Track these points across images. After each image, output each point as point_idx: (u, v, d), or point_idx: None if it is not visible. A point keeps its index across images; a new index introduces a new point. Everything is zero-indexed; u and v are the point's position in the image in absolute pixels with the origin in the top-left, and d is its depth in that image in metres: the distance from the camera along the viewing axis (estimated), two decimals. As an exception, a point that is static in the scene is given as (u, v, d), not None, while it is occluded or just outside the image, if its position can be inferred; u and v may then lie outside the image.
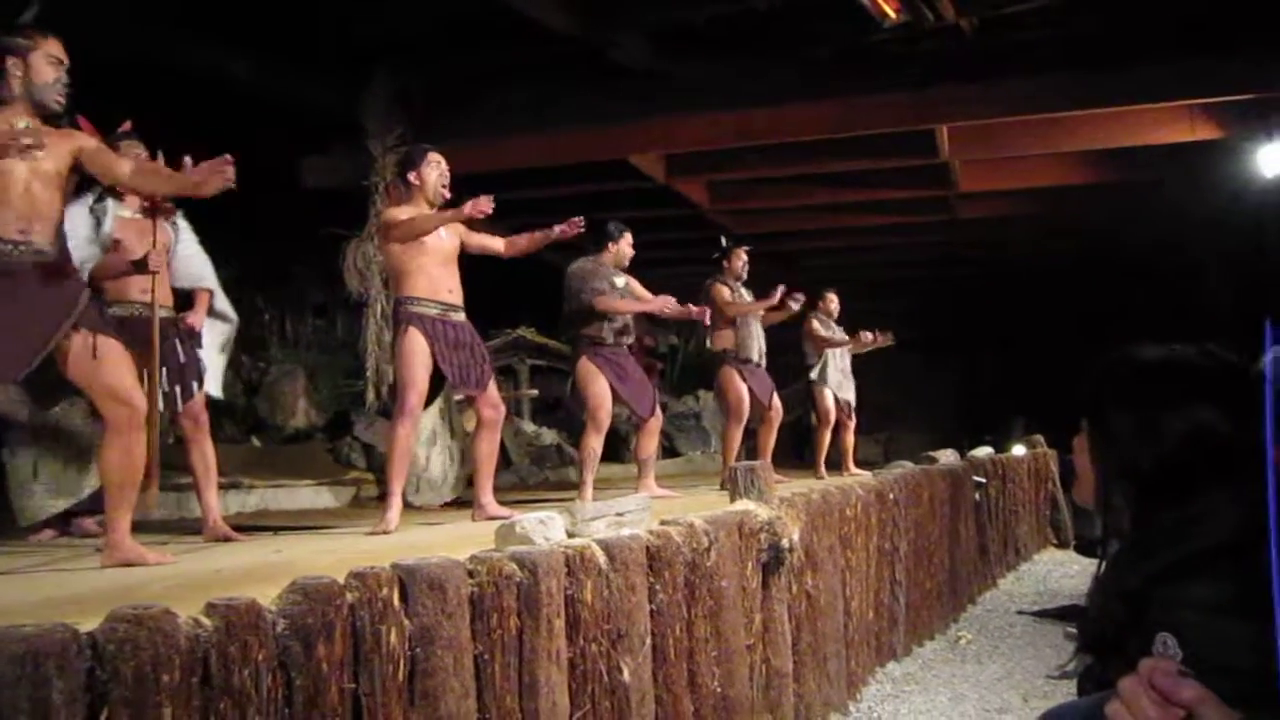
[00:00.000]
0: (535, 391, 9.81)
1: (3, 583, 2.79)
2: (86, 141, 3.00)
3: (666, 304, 5.34)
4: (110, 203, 3.91)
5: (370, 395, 7.68)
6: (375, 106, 8.07)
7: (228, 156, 2.84)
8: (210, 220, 4.34)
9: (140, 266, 3.76)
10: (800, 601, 3.82)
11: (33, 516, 4.12)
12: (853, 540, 4.52)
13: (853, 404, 7.26)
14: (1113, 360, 1.48)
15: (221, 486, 5.63)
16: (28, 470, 4.14)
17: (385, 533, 3.78)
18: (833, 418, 6.99)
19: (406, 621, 1.99)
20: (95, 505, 4.40)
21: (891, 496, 5.17)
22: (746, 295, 6.32)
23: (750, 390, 6.09)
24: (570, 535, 2.67)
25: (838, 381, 7.08)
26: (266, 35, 7.23)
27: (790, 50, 7.22)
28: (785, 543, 3.42)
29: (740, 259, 6.32)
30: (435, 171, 4.20)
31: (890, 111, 7.50)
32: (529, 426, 9.06)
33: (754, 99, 7.59)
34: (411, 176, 4.22)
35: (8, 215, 2.74)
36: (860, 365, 7.48)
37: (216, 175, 2.82)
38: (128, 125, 4.04)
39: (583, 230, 4.63)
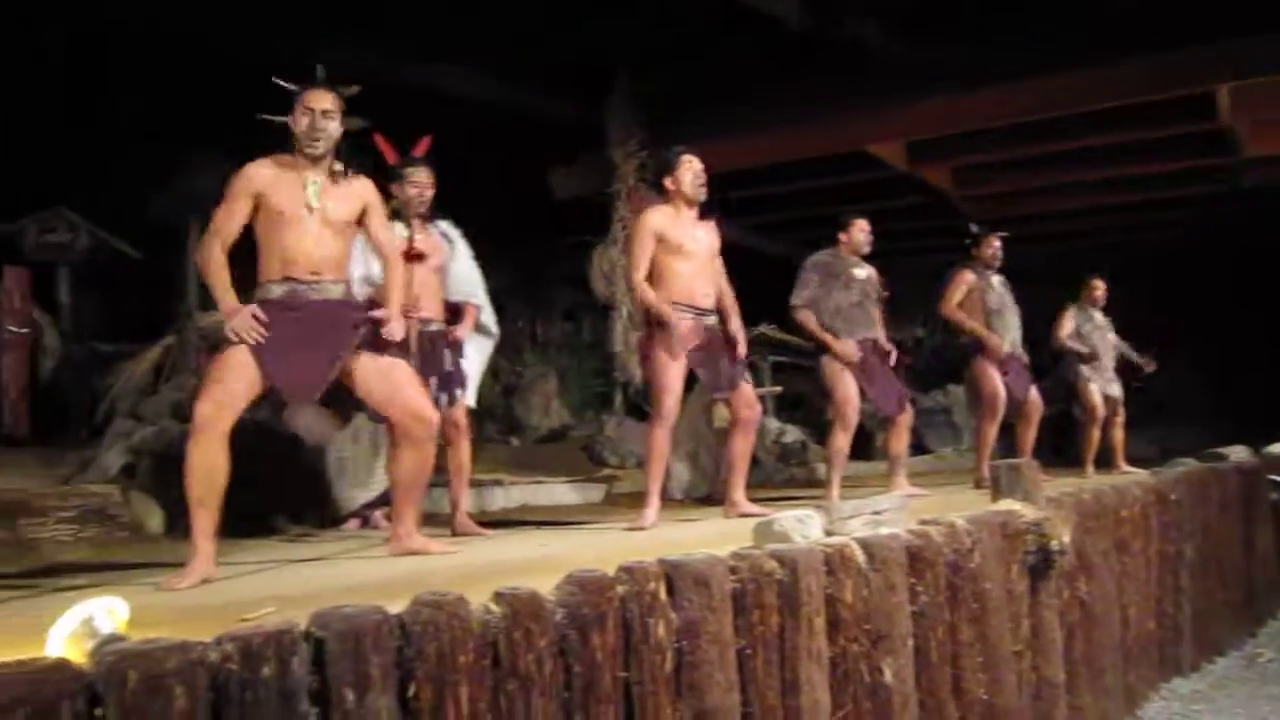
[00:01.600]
0: (779, 389, 9.78)
1: (316, 568, 3.14)
2: (373, 198, 3.29)
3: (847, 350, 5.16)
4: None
5: (618, 396, 7.95)
6: (615, 115, 8.35)
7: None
8: (470, 231, 4.63)
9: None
10: (1073, 608, 3.59)
11: (343, 509, 4.61)
12: (1130, 544, 4.20)
13: (1120, 398, 6.72)
14: None
15: (485, 484, 6.06)
16: (338, 468, 4.65)
17: (642, 529, 3.91)
18: (1100, 413, 6.51)
19: (673, 615, 2.06)
20: (385, 500, 4.87)
21: (1174, 497, 4.75)
22: (996, 283, 6.00)
23: (1005, 383, 5.78)
24: (828, 533, 2.65)
25: (1103, 375, 6.59)
26: (511, 58, 7.67)
27: (1049, 17, 6.77)
28: (1054, 545, 3.22)
29: (991, 246, 6.00)
30: (690, 173, 4.25)
31: (1164, 73, 6.84)
32: (773, 424, 9.05)
33: (1000, 75, 7.19)
34: (667, 181, 4.28)
35: (301, 260, 3.07)
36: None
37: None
38: (425, 144, 4.35)
39: None
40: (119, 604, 1.50)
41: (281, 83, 3.13)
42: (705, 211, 4.36)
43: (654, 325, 4.15)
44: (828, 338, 5.15)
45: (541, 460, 6.95)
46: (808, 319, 5.19)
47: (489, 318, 4.56)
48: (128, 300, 9.55)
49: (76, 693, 1.28)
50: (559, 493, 6.27)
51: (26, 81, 7.55)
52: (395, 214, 4.09)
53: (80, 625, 1.44)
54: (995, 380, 5.77)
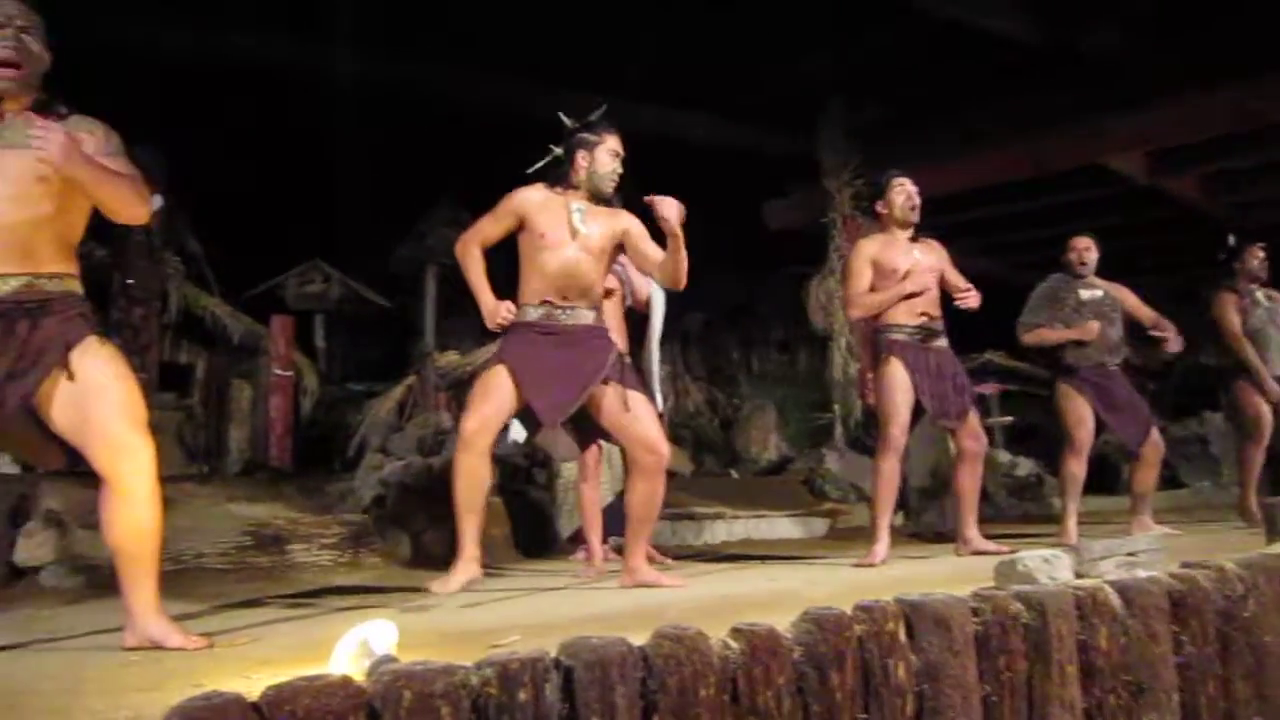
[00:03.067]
0: (1009, 419, 9.30)
1: (553, 598, 3.26)
2: (633, 224, 3.41)
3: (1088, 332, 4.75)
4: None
5: (838, 428, 7.81)
6: (829, 144, 8.28)
7: None
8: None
9: None
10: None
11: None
12: None
13: None
14: None
15: (706, 517, 6.10)
16: (564, 495, 4.84)
17: (872, 565, 3.81)
18: None
19: (913, 657, 1.99)
20: (613, 528, 5.00)
21: None
22: (1262, 298, 5.44)
23: (1274, 407, 5.23)
24: (1078, 575, 2.48)
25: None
26: (723, 95, 7.78)
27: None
28: (1347, 593, 2.87)
29: (1256, 257, 5.45)
30: (901, 195, 4.18)
31: None
32: (1003, 456, 8.60)
33: (1251, 72, 6.57)
34: (879, 205, 4.25)
35: (555, 287, 3.24)
36: None
37: None
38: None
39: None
40: (390, 627, 1.62)
41: (567, 119, 3.35)
42: (920, 232, 4.25)
43: (884, 350, 4.07)
44: (1062, 332, 4.83)
45: (762, 493, 6.92)
46: (1038, 336, 4.90)
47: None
48: (374, 343, 10.39)
49: (358, 708, 1.39)
50: (781, 527, 6.21)
51: (283, 147, 8.39)
52: None
53: (358, 646, 1.57)
54: (1259, 403, 5.23)
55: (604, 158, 3.32)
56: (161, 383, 7.46)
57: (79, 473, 3.98)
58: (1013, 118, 7.40)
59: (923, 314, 4.10)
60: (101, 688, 1.78)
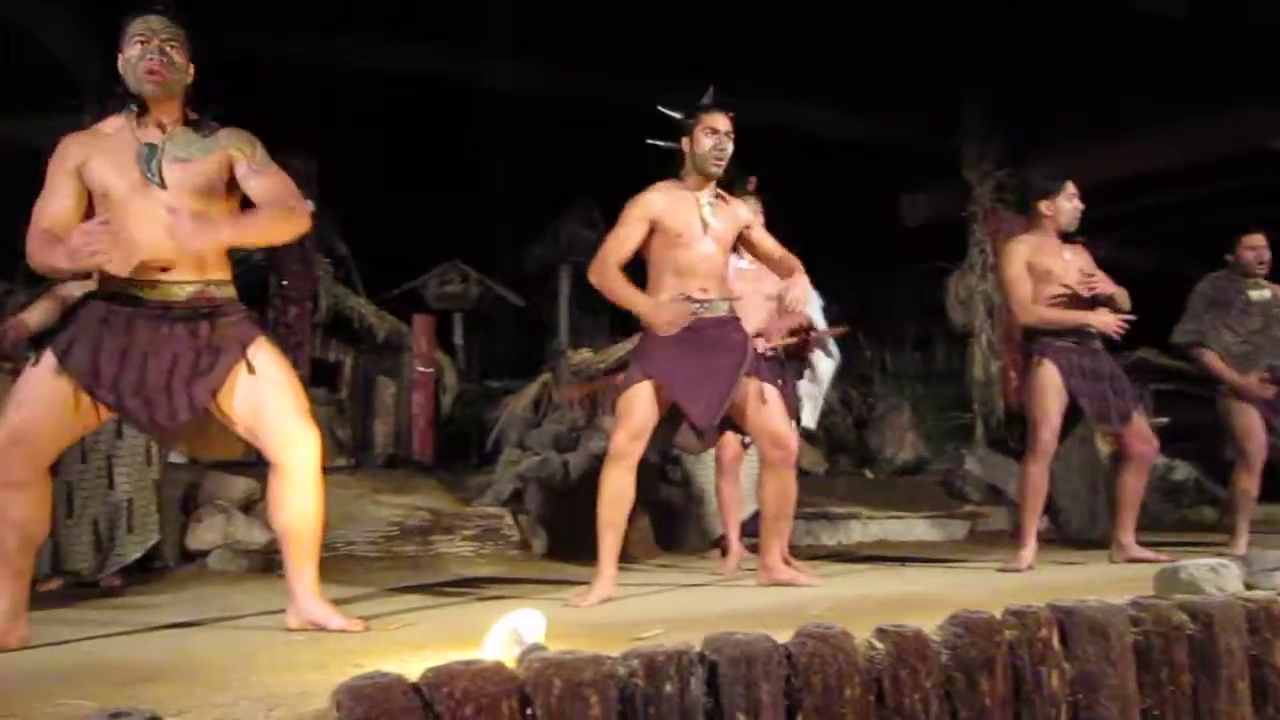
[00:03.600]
0: (1165, 420, 8.79)
1: (693, 593, 3.29)
2: (751, 217, 3.42)
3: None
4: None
5: (979, 428, 7.57)
6: (969, 136, 8.03)
7: None
8: (817, 259, 4.64)
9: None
10: None
11: (709, 535, 4.81)
12: None
13: None
14: None
15: (841, 517, 6.01)
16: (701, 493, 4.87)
17: (1018, 570, 3.69)
18: None
19: (1067, 665, 1.92)
20: (751, 528, 5.00)
21: None
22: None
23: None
24: (1248, 586, 2.34)
25: None
26: (856, 89, 7.64)
27: None
28: None
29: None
30: (1070, 203, 4.01)
31: None
32: (1159, 459, 8.16)
33: None
34: (1044, 206, 4.03)
35: (693, 278, 3.24)
36: None
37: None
38: (752, 183, 4.53)
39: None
40: (539, 616, 1.66)
41: (667, 110, 3.33)
42: (1069, 235, 4.07)
43: (1035, 352, 3.91)
44: (1230, 376, 4.53)
45: (898, 494, 6.77)
46: (1199, 355, 4.61)
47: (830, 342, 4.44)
48: (510, 341, 10.66)
49: (511, 693, 1.43)
50: (918, 528, 6.07)
51: (423, 151, 8.69)
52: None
53: (509, 633, 1.62)
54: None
55: (702, 137, 3.24)
56: (312, 379, 7.84)
57: (242, 463, 4.24)
58: (1166, 101, 6.99)
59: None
60: (271, 664, 1.89)
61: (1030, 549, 3.80)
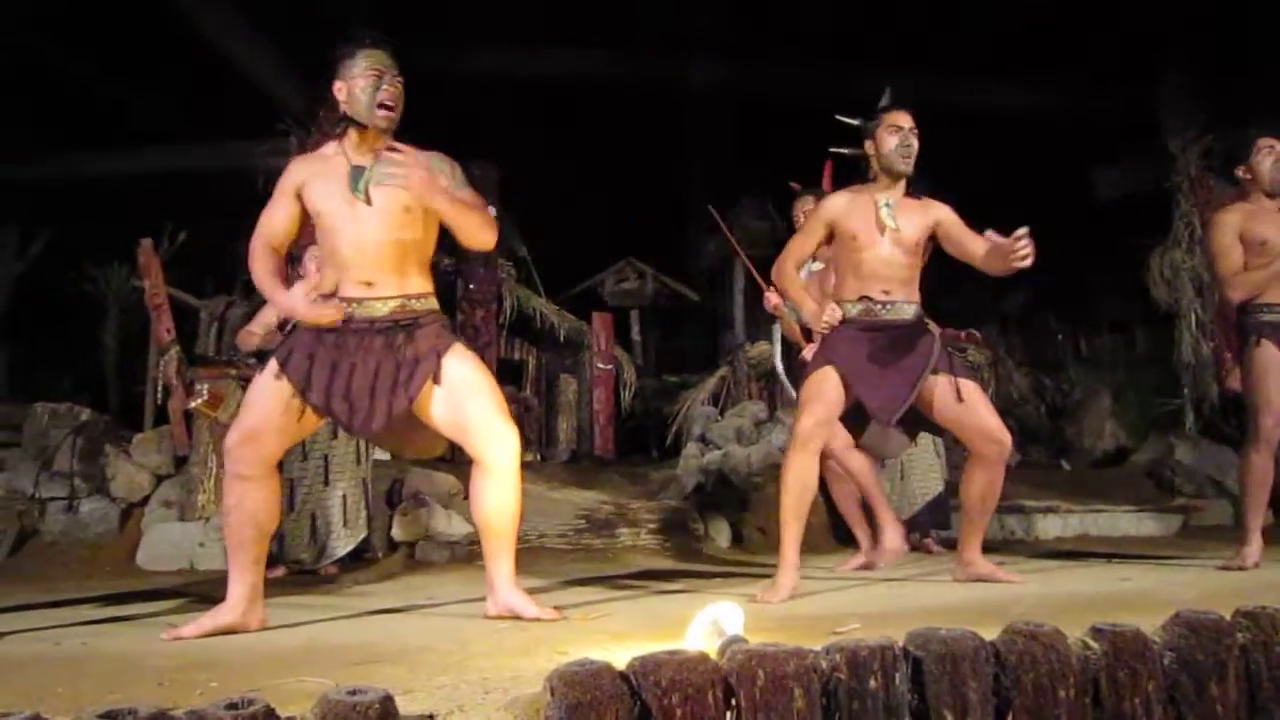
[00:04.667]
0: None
1: (888, 588, 3.22)
2: (946, 215, 3.29)
3: None
4: None
5: (1190, 415, 7.04)
6: (1170, 101, 7.47)
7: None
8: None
9: None
10: None
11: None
12: None
13: None
14: None
15: (1038, 510, 5.73)
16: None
17: (1242, 568, 3.42)
18: None
19: (1312, 671, 1.77)
20: (934, 519, 4.85)
21: None
22: None
23: None
24: None
25: None
26: (1043, 57, 7.25)
27: None
28: None
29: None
30: (1270, 159, 3.67)
31: None
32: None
33: None
34: (1241, 170, 3.73)
35: (875, 281, 3.19)
36: None
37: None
38: (828, 170, 4.39)
39: None
40: (738, 609, 1.68)
41: (846, 119, 3.30)
42: None
43: (1252, 332, 3.59)
44: None
45: (1098, 486, 6.37)
46: None
47: None
48: (686, 336, 10.74)
49: (715, 683, 1.45)
50: (1124, 522, 5.70)
51: (598, 151, 8.86)
52: None
53: (710, 624, 1.64)
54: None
55: (885, 137, 3.19)
56: (499, 378, 8.16)
57: (441, 460, 4.47)
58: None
59: None
60: (483, 650, 1.99)
61: (1255, 545, 3.50)
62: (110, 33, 7.22)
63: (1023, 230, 2.91)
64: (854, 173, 3.34)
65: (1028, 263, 2.89)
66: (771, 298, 4.43)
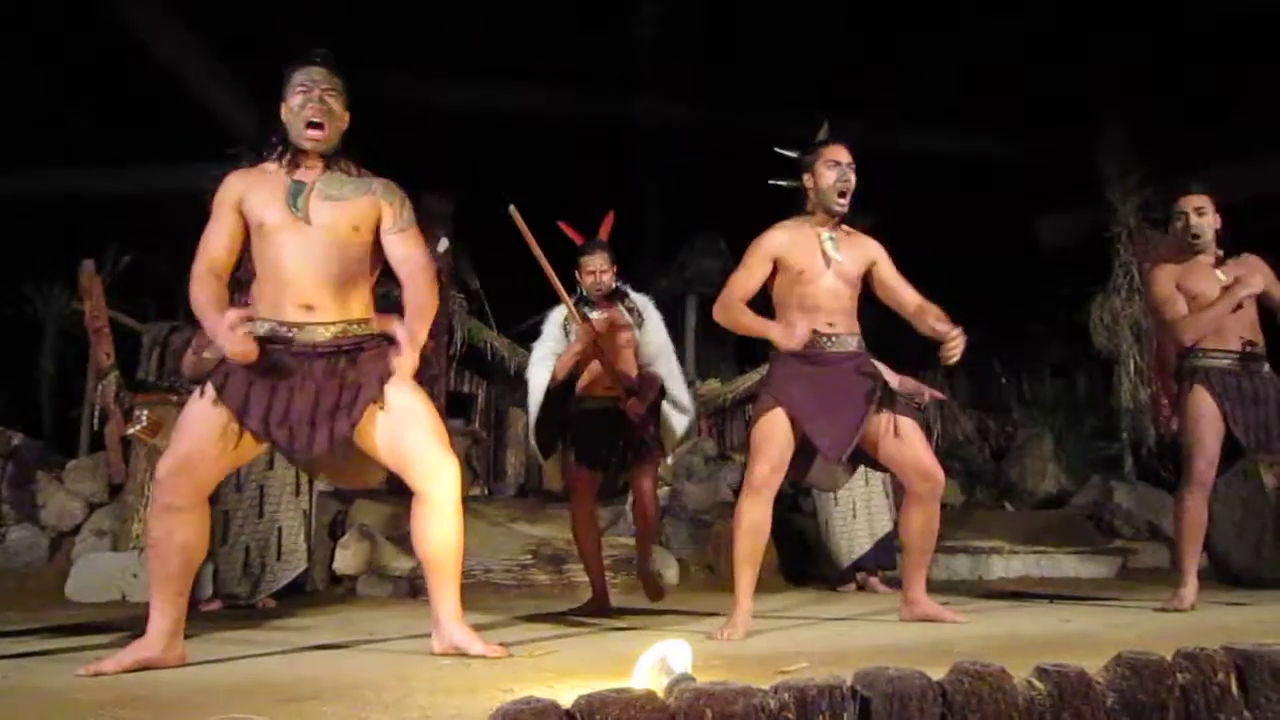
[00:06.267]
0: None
1: (835, 627, 3.22)
2: (881, 255, 3.33)
3: None
4: None
5: (1128, 459, 7.19)
6: (1109, 152, 7.71)
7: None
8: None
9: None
10: None
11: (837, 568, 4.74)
12: None
13: None
14: None
15: (982, 551, 5.80)
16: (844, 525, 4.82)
17: (1179, 610, 3.47)
18: None
19: (1249, 714, 1.80)
20: (880, 560, 4.88)
21: None
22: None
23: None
24: None
25: None
26: (986, 107, 7.44)
27: None
28: None
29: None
30: (1179, 222, 3.76)
31: None
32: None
33: None
34: (1171, 228, 3.85)
35: (819, 314, 3.20)
36: None
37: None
38: (607, 225, 4.41)
39: None
40: (686, 647, 1.66)
41: (784, 151, 3.32)
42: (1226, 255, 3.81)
43: (1187, 376, 3.69)
44: None
45: (1040, 528, 6.47)
46: None
47: (679, 390, 4.14)
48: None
49: (662, 723, 1.43)
50: (1065, 564, 5.79)
51: (549, 189, 8.89)
52: (582, 298, 4.09)
53: (658, 663, 1.62)
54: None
55: (823, 171, 3.20)
56: (448, 411, 8.07)
57: (386, 492, 4.40)
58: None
59: (1239, 337, 3.68)
60: (426, 687, 1.94)
61: (1191, 587, 3.57)
62: (56, 48, 7.10)
63: (956, 332, 3.04)
64: (790, 205, 3.34)
65: (953, 361, 3.04)
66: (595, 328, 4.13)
